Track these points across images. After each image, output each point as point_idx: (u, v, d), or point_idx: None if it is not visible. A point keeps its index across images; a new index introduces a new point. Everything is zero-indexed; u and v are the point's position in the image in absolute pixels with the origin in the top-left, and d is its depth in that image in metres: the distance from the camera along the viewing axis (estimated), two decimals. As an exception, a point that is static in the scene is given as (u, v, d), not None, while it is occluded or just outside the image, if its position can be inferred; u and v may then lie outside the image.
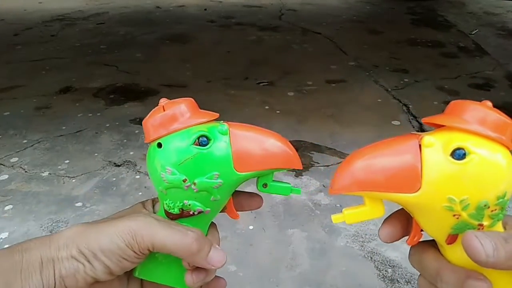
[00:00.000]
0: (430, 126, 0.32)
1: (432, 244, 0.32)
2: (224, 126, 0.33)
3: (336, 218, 0.32)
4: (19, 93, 1.98)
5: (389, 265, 1.09)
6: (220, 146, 0.33)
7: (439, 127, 0.31)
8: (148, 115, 0.34)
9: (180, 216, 0.34)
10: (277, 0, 3.53)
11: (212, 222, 0.37)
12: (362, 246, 1.15)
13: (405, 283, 1.04)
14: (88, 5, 3.39)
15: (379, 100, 1.88)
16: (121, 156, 1.52)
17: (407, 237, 0.33)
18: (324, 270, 1.08)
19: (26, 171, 1.44)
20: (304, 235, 1.19)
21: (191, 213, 0.34)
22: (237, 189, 0.36)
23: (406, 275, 1.06)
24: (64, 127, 1.70)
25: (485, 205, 0.28)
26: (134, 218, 0.31)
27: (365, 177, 0.30)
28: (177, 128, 0.33)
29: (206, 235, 0.35)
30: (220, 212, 0.36)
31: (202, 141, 0.32)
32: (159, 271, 0.35)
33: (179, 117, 0.33)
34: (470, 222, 0.28)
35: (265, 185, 0.36)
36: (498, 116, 0.30)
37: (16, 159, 1.51)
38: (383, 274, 1.07)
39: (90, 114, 1.80)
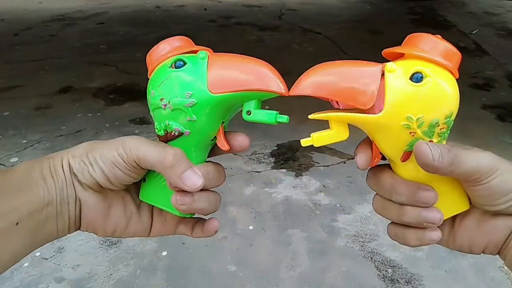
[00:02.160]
0: (389, 58, 0.35)
1: (386, 166, 0.36)
2: (204, 53, 0.35)
3: (305, 142, 0.35)
4: (19, 93, 1.98)
5: (389, 265, 1.09)
6: (194, 68, 0.35)
7: (396, 59, 0.35)
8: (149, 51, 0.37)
9: (166, 137, 0.36)
10: (277, 0, 3.53)
11: (220, 164, 0.38)
12: (362, 246, 1.15)
13: (405, 283, 1.04)
14: (88, 5, 3.39)
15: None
16: (121, 156, 1.52)
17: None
18: (324, 270, 1.08)
19: (26, 171, 1.44)
20: (304, 235, 1.19)
21: (172, 133, 0.35)
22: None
23: (406, 275, 1.06)
24: (64, 127, 1.70)
25: (436, 123, 0.32)
26: (130, 136, 0.36)
27: (325, 83, 0.33)
28: (164, 58, 0.36)
29: (199, 163, 0.37)
30: (211, 142, 0.37)
31: (178, 64, 0.35)
32: (156, 194, 0.38)
33: (169, 50, 0.36)
34: (423, 139, 0.32)
35: (249, 112, 0.35)
36: (447, 45, 0.33)
37: (16, 159, 1.51)
38: (383, 274, 1.07)
39: (90, 114, 1.80)
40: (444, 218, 0.34)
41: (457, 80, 0.33)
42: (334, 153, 1.55)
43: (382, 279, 1.05)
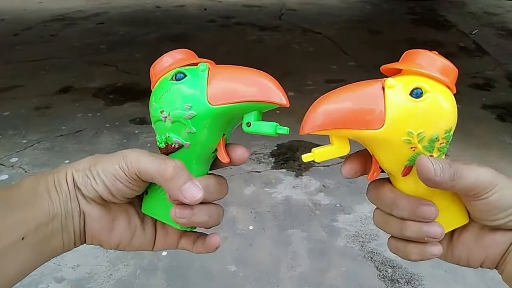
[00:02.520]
0: (387, 74, 0.36)
1: (387, 180, 0.36)
2: (204, 65, 0.35)
3: (306, 157, 0.35)
4: (19, 93, 1.98)
5: (389, 265, 1.09)
6: (194, 80, 0.35)
7: (395, 74, 0.35)
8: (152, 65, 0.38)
9: (167, 150, 0.36)
10: (277, 0, 3.53)
11: (222, 176, 0.38)
12: (362, 246, 1.15)
13: (405, 283, 1.04)
14: (88, 5, 3.39)
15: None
16: (121, 156, 1.52)
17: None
18: (324, 270, 1.08)
19: (26, 171, 1.44)
20: (304, 235, 1.19)
21: (172, 146, 0.35)
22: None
23: (406, 275, 1.06)
24: (64, 127, 1.70)
25: (436, 138, 0.32)
26: (132, 149, 0.36)
27: (333, 117, 0.33)
28: (167, 70, 0.36)
29: (201, 175, 0.37)
30: (213, 154, 0.37)
31: (178, 76, 0.35)
32: (157, 207, 0.38)
33: (172, 62, 0.37)
34: (423, 154, 0.33)
35: (249, 124, 0.35)
36: (444, 61, 0.34)
37: (16, 159, 1.51)
38: (383, 274, 1.07)
39: (90, 114, 1.80)
40: (445, 232, 0.34)
41: (456, 82, 0.34)
42: (334, 153, 1.55)
43: (382, 279, 1.05)
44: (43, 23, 2.96)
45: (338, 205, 1.30)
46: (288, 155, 1.53)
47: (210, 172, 0.38)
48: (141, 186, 0.36)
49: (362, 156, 0.36)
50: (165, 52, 0.37)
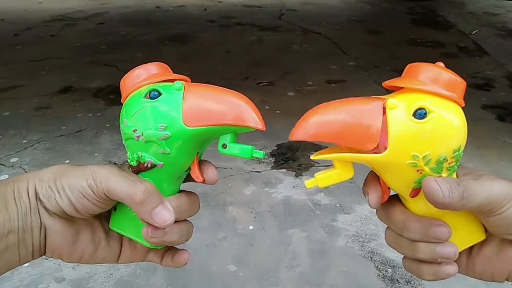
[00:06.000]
0: (389, 89, 0.34)
1: (396, 198, 0.34)
2: (180, 83, 0.34)
3: (309, 183, 0.34)
4: (19, 93, 1.98)
5: (389, 265, 1.09)
6: (170, 99, 0.33)
7: (397, 89, 0.33)
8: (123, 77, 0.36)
9: (138, 168, 0.35)
10: (277, 0, 3.53)
11: (194, 193, 0.37)
12: (362, 246, 1.15)
13: (405, 283, 1.04)
14: (88, 5, 3.39)
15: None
16: (121, 156, 1.52)
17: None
18: (324, 270, 1.08)
19: (26, 171, 1.44)
20: (304, 235, 1.19)
21: (145, 165, 0.34)
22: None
23: (406, 275, 1.06)
24: (64, 127, 1.71)
25: (444, 159, 0.31)
26: (102, 166, 0.34)
27: (326, 128, 0.32)
28: (139, 85, 0.35)
29: (172, 194, 0.36)
30: (185, 172, 0.36)
31: (153, 94, 0.34)
32: (127, 224, 0.37)
33: (145, 77, 0.35)
34: (431, 176, 0.31)
35: (224, 146, 0.35)
36: (450, 75, 0.32)
37: (16, 159, 1.51)
38: (383, 274, 1.07)
39: (90, 114, 1.80)
40: (460, 250, 0.33)
41: (464, 95, 0.32)
42: (334, 153, 1.55)
43: (382, 279, 1.05)
44: (43, 23, 2.96)
45: (338, 205, 1.30)
46: (288, 155, 1.53)
47: (182, 187, 0.37)
48: (109, 204, 0.35)
49: (377, 177, 0.34)
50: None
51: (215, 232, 1.17)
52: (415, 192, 0.32)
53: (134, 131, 0.34)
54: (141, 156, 0.34)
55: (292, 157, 1.53)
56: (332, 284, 1.04)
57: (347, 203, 1.30)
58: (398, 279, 1.05)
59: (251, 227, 1.21)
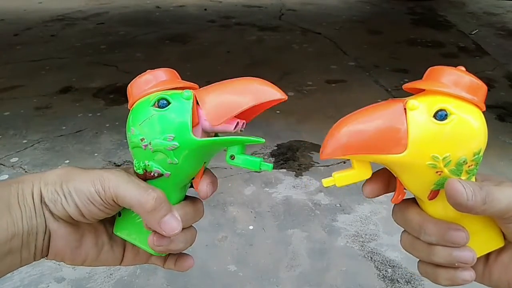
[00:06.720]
0: (409, 92, 0.34)
1: (413, 201, 0.34)
2: (189, 92, 0.34)
3: (327, 182, 0.34)
4: (19, 93, 1.98)
5: (389, 265, 1.09)
6: (179, 109, 0.33)
7: (417, 92, 0.33)
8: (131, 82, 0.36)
9: (145, 177, 0.35)
10: (277, 0, 3.53)
11: (198, 199, 0.37)
12: (362, 246, 1.15)
13: (405, 283, 1.04)
14: (88, 5, 3.39)
15: (379, 100, 1.85)
16: (121, 156, 1.52)
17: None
18: (324, 270, 1.08)
19: (26, 171, 1.44)
20: (304, 235, 1.19)
21: (151, 174, 0.34)
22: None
23: (406, 275, 1.06)
24: (64, 127, 1.71)
25: (464, 161, 0.30)
26: (110, 170, 0.34)
27: (354, 142, 0.32)
28: (147, 92, 0.34)
29: (178, 202, 0.36)
30: (191, 180, 0.36)
31: (161, 103, 0.33)
32: (132, 231, 0.37)
33: (153, 84, 0.35)
34: (450, 177, 0.31)
35: (232, 157, 0.35)
36: (471, 79, 0.32)
37: (16, 159, 1.51)
38: (383, 274, 1.07)
39: (90, 114, 1.80)
40: (477, 256, 0.32)
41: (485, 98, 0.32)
42: (334, 153, 1.55)
43: (382, 279, 1.05)
44: (43, 23, 2.96)
45: (338, 205, 1.30)
46: (288, 155, 1.53)
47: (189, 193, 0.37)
48: (116, 210, 0.34)
49: (384, 175, 0.34)
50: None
51: (215, 232, 1.17)
52: (433, 194, 0.32)
53: (141, 139, 0.33)
54: (148, 165, 0.34)
55: (292, 157, 1.53)
56: (332, 284, 1.04)
57: (347, 203, 1.30)
58: (398, 279, 1.05)
59: (251, 227, 1.21)
